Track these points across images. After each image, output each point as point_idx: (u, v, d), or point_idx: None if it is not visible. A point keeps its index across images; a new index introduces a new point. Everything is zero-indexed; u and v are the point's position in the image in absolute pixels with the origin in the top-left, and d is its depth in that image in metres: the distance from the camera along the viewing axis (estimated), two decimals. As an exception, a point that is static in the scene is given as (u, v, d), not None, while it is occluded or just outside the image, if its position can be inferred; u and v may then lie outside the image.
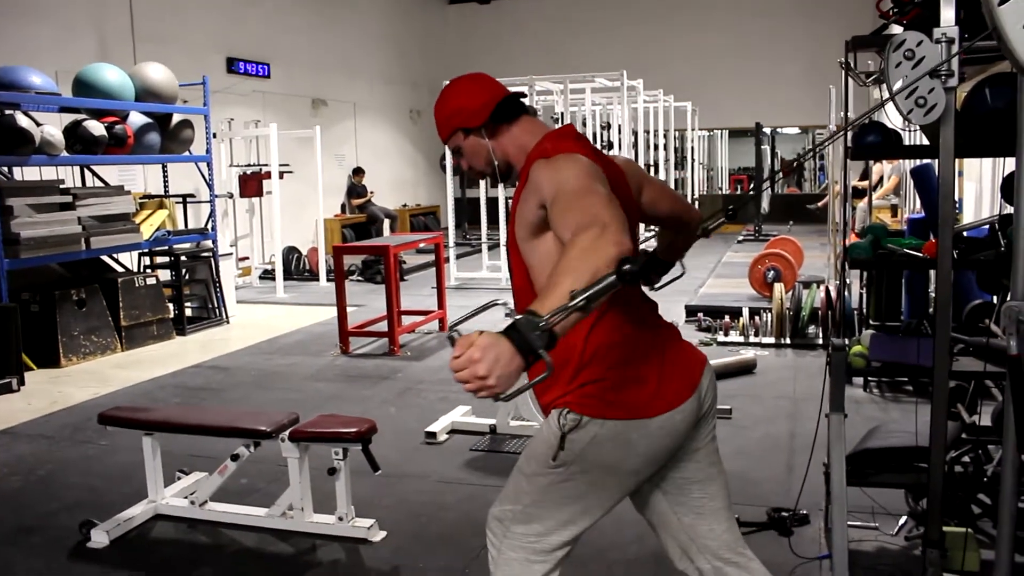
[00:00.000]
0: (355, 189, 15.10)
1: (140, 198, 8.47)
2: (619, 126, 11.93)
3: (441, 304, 8.04)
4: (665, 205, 2.29)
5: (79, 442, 4.99)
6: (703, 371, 2.11)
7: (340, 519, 3.60)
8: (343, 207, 15.21)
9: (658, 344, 2.04)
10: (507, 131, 2.13)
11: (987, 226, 3.50)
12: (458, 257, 11.04)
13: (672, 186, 15.68)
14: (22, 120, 6.66)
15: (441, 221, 17.38)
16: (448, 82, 2.17)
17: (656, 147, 14.51)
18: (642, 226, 2.44)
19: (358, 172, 15.12)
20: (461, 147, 2.17)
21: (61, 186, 7.24)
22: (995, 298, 4.11)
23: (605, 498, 2.03)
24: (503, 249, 10.72)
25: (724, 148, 21.36)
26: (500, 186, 11.50)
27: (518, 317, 1.48)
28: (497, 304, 2.23)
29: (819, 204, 12.84)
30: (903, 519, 3.43)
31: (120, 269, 8.09)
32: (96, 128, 7.22)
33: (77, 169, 8.16)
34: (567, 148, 1.98)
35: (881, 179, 10.30)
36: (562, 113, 10.98)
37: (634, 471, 2.01)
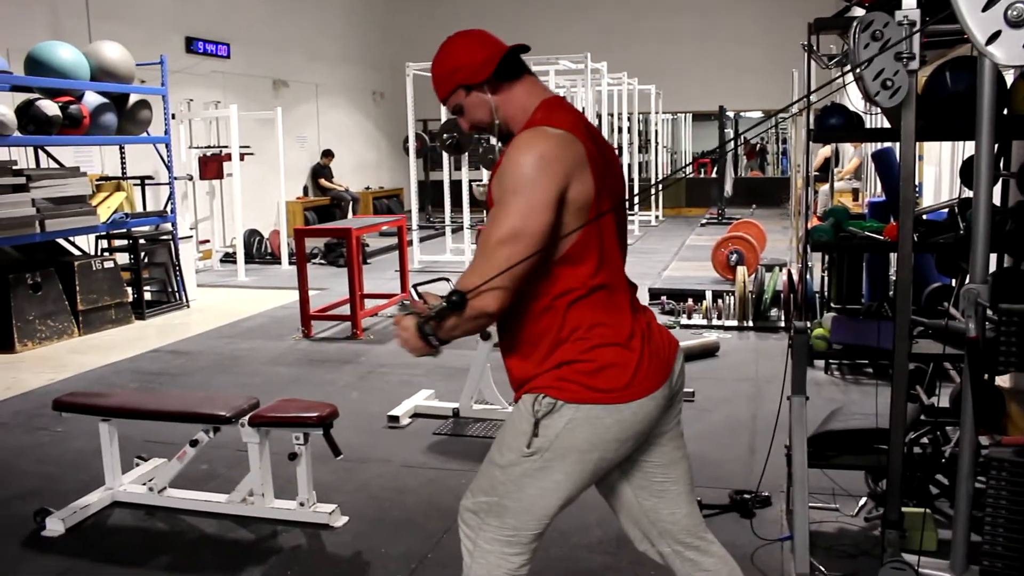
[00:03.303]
0: (323, 171, 14.99)
1: (97, 180, 8.30)
2: (583, 109, 11.91)
3: (404, 287, 7.99)
4: None
5: (34, 429, 4.89)
6: (676, 356, 2.10)
7: (301, 505, 3.56)
8: (305, 189, 15.06)
9: (638, 328, 2.00)
10: (509, 89, 2.05)
11: (946, 209, 3.53)
12: (421, 240, 10.98)
13: (636, 169, 15.74)
14: (-28, 99, 6.50)
15: (404, 204, 17.27)
16: (446, 38, 2.09)
17: (620, 130, 14.52)
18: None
19: (327, 154, 15.02)
20: (462, 104, 2.08)
21: (14, 167, 7.07)
22: (954, 281, 4.15)
23: (577, 483, 2.00)
24: (466, 232, 10.71)
25: (688, 131, 21.42)
26: (464, 168, 11.26)
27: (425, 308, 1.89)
28: (446, 281, 2.18)
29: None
30: (863, 500, 3.47)
31: (77, 252, 7.93)
32: (50, 108, 7.05)
33: (31, 150, 7.99)
34: (555, 121, 1.95)
35: (825, 163, 10.35)
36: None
37: (606, 456, 1.98)
